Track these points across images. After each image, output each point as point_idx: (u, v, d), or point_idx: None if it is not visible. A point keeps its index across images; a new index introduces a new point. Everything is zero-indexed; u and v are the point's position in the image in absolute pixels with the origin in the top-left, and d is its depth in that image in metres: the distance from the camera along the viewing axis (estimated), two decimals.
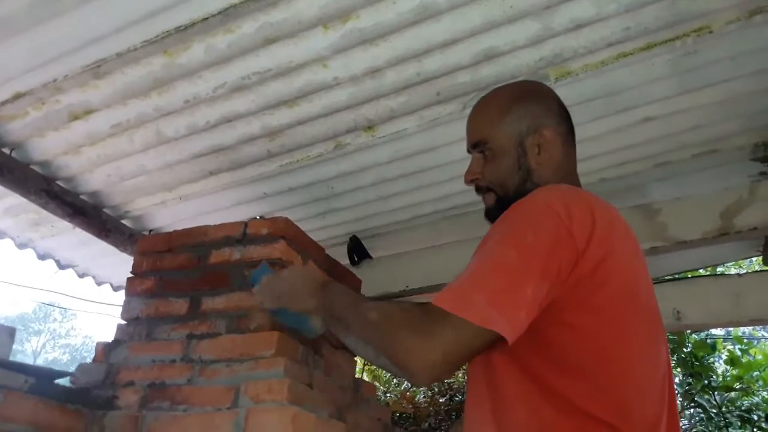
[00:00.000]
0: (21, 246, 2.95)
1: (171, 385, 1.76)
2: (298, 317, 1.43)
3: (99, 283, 3.39)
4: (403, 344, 0.97)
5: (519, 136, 1.21)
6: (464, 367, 1.21)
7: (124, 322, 2.08)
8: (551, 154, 1.20)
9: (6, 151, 2.27)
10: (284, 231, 2.00)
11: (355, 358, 2.46)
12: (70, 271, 3.23)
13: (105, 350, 1.99)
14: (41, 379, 1.59)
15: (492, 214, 1.23)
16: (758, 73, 2.00)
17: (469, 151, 1.30)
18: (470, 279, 0.99)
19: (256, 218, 2.75)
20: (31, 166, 2.36)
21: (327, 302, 1.24)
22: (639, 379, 1.01)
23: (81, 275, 3.28)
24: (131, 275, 2.17)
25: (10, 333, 1.60)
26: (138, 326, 2.03)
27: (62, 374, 1.71)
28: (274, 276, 1.51)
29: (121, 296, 3.34)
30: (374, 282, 2.78)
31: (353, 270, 2.76)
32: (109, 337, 2.05)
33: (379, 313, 1.07)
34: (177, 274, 2.07)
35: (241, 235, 2.04)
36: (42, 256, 3.05)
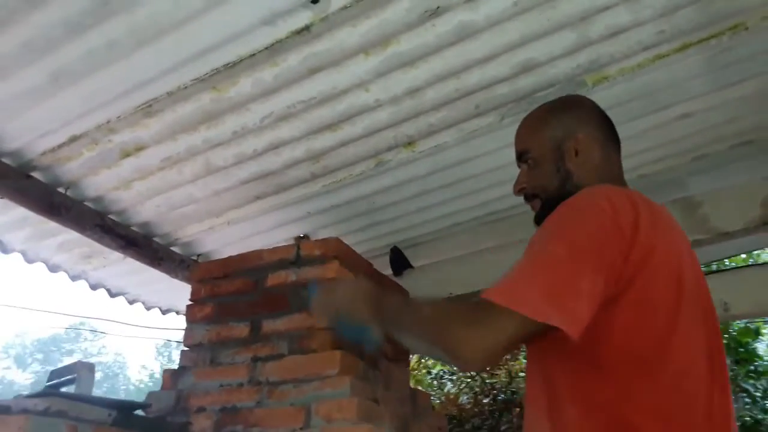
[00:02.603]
0: (74, 278, 3.05)
1: (242, 409, 1.83)
2: (359, 329, 1.45)
3: (148, 308, 3.49)
4: (456, 334, 1.00)
5: (556, 142, 1.27)
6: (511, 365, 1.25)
7: (186, 348, 2.16)
8: (588, 157, 1.25)
9: (62, 190, 2.36)
10: (336, 251, 2.07)
11: (408, 369, 2.52)
12: (120, 298, 3.34)
13: (172, 377, 2.08)
14: (121, 411, 1.66)
15: (540, 219, 1.26)
16: None
17: (518, 165, 1.35)
18: (521, 275, 1.02)
19: (300, 236, 2.83)
20: (85, 203, 2.45)
21: (381, 308, 1.27)
22: (691, 373, 1.03)
23: (131, 302, 3.38)
24: (190, 302, 2.24)
25: (90, 368, 1.68)
26: (201, 352, 2.11)
27: (138, 406, 1.79)
28: (327, 292, 1.51)
29: (165, 319, 3.46)
30: (418, 291, 2.81)
31: (397, 280, 2.82)
32: (157, 359, 2.13)
33: (432, 308, 1.13)
34: (235, 299, 2.15)
35: (295, 257, 2.11)
36: (94, 286, 3.15)
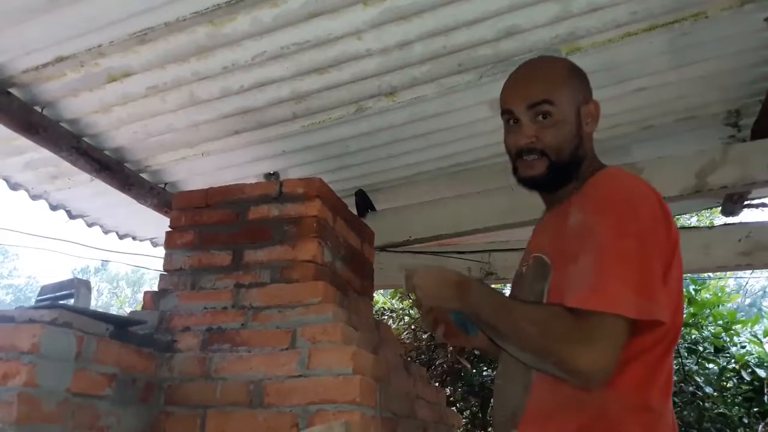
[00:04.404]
0: (35, 197, 3.03)
1: (228, 330, 1.97)
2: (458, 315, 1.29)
3: (106, 232, 3.51)
4: (573, 353, 1.02)
5: (578, 104, 1.23)
6: None
7: (166, 273, 2.26)
8: (594, 126, 1.27)
9: (38, 109, 2.34)
10: (318, 191, 2.19)
11: (371, 302, 2.71)
12: (78, 221, 3.34)
13: (154, 298, 2.18)
14: (117, 325, 1.77)
15: (541, 182, 1.24)
16: (740, 52, 2.27)
17: (507, 112, 1.26)
18: (605, 275, 1.03)
19: (270, 173, 2.93)
20: (60, 123, 2.45)
21: (471, 305, 1.18)
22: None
23: (90, 225, 3.39)
24: (170, 229, 2.32)
25: (87, 286, 1.76)
26: (182, 277, 2.21)
27: (133, 322, 1.89)
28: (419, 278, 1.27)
29: (117, 243, 3.52)
30: (380, 232, 2.98)
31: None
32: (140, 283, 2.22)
33: (535, 325, 1.08)
34: (217, 229, 2.25)
35: (278, 193, 2.22)
36: (54, 207, 3.14)
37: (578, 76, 1.29)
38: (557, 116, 1.20)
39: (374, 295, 5.55)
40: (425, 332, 5.05)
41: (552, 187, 1.27)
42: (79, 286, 1.74)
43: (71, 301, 1.74)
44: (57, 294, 1.77)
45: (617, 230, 1.07)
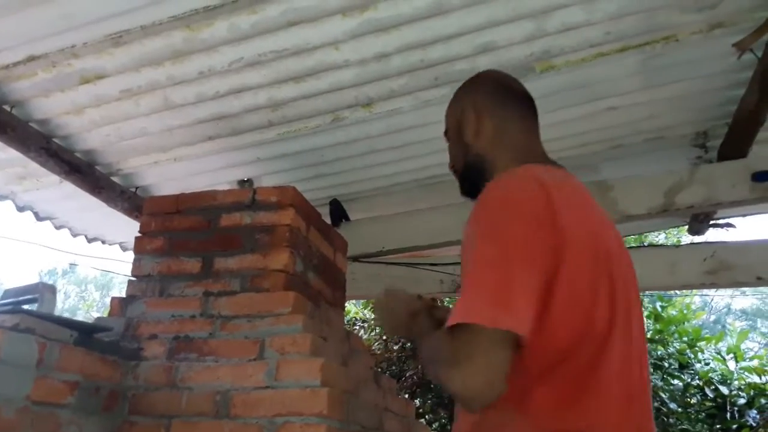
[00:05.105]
0: (1, 198, 2.96)
1: (195, 339, 1.94)
2: None
3: (75, 235, 3.44)
4: (449, 379, 0.97)
5: (457, 118, 1.33)
6: None
7: (134, 278, 2.22)
8: (482, 128, 1.27)
9: (6, 108, 2.29)
10: (292, 199, 2.18)
11: (343, 312, 2.71)
12: (46, 223, 3.27)
13: (121, 305, 2.14)
14: (82, 332, 1.73)
15: (462, 192, 1.36)
16: (709, 76, 2.33)
17: None
18: (468, 285, 1.01)
19: (244, 180, 2.91)
20: (30, 124, 2.40)
21: (413, 337, 1.30)
22: (611, 355, 1.04)
23: (58, 227, 3.32)
24: (139, 234, 2.29)
25: (52, 290, 1.72)
26: (150, 283, 2.18)
27: (99, 329, 1.85)
28: (382, 304, 1.43)
29: (85, 246, 3.41)
30: (354, 242, 2.98)
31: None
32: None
33: (428, 349, 1.10)
34: (187, 235, 2.22)
35: (250, 201, 2.20)
36: (21, 208, 3.07)
37: (461, 92, 1.38)
38: (449, 136, 1.37)
39: (346, 305, 5.57)
40: (396, 343, 5.06)
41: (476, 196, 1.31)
42: (44, 290, 1.70)
43: (35, 306, 1.70)
44: (20, 298, 1.73)
45: (482, 239, 1.04)
